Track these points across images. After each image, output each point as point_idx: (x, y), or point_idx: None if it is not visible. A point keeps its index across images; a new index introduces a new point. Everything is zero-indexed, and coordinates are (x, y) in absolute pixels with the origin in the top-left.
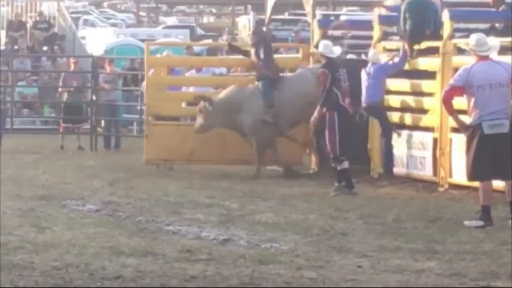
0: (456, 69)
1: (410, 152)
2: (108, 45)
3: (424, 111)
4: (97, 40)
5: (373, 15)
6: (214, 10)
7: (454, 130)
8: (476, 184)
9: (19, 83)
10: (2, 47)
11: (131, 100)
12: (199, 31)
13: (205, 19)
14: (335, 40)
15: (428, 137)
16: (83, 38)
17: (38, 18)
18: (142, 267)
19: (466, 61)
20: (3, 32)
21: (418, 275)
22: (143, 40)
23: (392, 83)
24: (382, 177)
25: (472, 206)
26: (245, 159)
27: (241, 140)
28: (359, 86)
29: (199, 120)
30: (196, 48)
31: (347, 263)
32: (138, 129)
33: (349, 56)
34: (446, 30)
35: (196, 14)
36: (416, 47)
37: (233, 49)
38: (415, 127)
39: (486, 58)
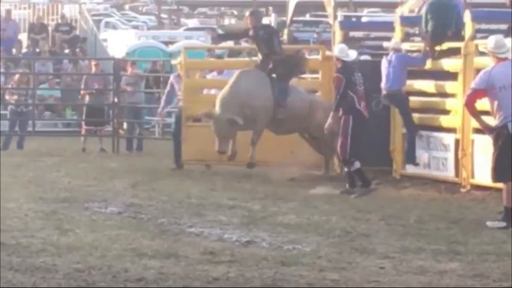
0: (478, 70)
1: (432, 153)
2: (130, 47)
3: (446, 112)
4: (118, 42)
5: (395, 16)
6: (235, 12)
7: (476, 131)
8: (498, 185)
9: (41, 86)
10: (24, 50)
11: (153, 102)
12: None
13: (226, 21)
14: (356, 41)
15: (450, 138)
16: (105, 40)
17: (60, 21)
18: (165, 269)
19: (488, 62)
20: (25, 35)
21: (441, 276)
22: (164, 42)
23: (414, 84)
24: (404, 179)
25: (494, 207)
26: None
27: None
28: (373, 88)
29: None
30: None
31: (370, 265)
32: (160, 131)
33: (364, 57)
34: (468, 31)
35: (217, 16)
36: (437, 48)
37: (222, 37)
38: (437, 128)
39: (505, 59)
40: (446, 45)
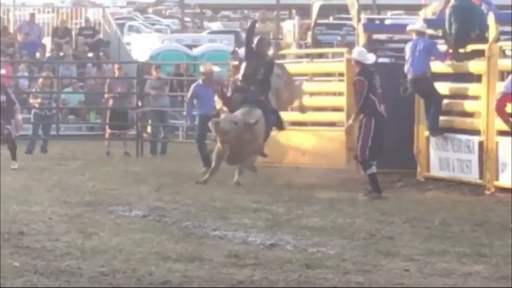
0: (501, 72)
1: (456, 155)
2: (153, 50)
3: (470, 114)
4: (142, 46)
5: (418, 18)
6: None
7: (501, 133)
8: None
9: (65, 90)
10: (48, 54)
11: (177, 105)
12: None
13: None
14: (380, 44)
15: (474, 140)
16: (128, 44)
17: (83, 25)
18: (189, 272)
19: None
20: (49, 39)
21: (465, 278)
22: (188, 46)
23: (438, 86)
24: (428, 181)
25: None
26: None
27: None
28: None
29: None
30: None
31: (394, 267)
32: (184, 134)
33: (381, 60)
34: (492, 33)
35: (240, 19)
36: (461, 50)
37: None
38: (461, 130)
39: None
40: (469, 47)
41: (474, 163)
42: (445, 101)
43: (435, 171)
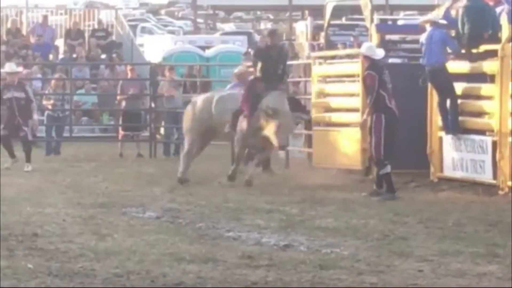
0: None
1: (470, 155)
2: (166, 52)
3: (483, 114)
4: (155, 47)
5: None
6: (271, 16)
7: None
8: None
9: (78, 91)
10: (61, 56)
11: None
12: (257, 37)
13: (262, 25)
14: (393, 44)
15: (487, 141)
16: (141, 45)
17: (96, 27)
18: (203, 273)
19: None
20: (62, 41)
21: (479, 279)
22: (200, 47)
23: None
24: (441, 181)
25: None
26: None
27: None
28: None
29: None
30: None
31: (408, 268)
32: None
33: (391, 60)
34: (505, 33)
35: (253, 20)
36: (474, 50)
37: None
38: (474, 131)
39: None
40: (482, 48)
41: (488, 163)
42: (458, 100)
43: (449, 172)
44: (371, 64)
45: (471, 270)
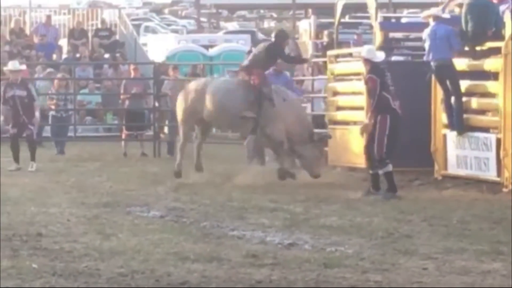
0: None
1: (474, 153)
2: (170, 51)
3: (487, 112)
4: (158, 46)
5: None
6: (274, 15)
7: None
8: None
9: (82, 91)
10: (65, 56)
11: None
12: (260, 35)
13: (265, 24)
14: (397, 42)
15: (491, 138)
16: (145, 45)
17: (99, 26)
18: (208, 272)
19: None
20: (65, 41)
21: (484, 276)
22: (204, 46)
23: None
24: (445, 179)
25: None
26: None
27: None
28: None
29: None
30: None
31: (413, 266)
32: None
33: (394, 58)
34: (508, 31)
35: (256, 18)
36: (478, 48)
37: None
38: (478, 128)
39: None
40: (486, 45)
41: (492, 161)
42: (462, 98)
43: (453, 169)
44: (372, 67)
45: (476, 268)
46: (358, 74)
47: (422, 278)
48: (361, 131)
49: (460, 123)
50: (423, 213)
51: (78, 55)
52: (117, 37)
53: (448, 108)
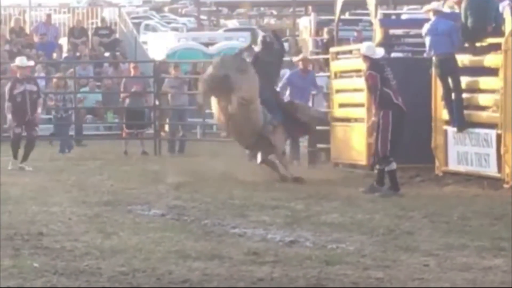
0: None
1: (474, 149)
2: (170, 49)
3: (487, 108)
4: (158, 44)
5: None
6: (274, 12)
7: None
8: None
9: (82, 89)
10: (65, 54)
11: (194, 104)
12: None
13: (265, 21)
14: (397, 38)
15: (492, 134)
16: (145, 43)
17: (99, 25)
18: (209, 270)
19: None
20: (65, 39)
21: (485, 272)
22: (204, 44)
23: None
24: (446, 176)
25: None
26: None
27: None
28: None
29: None
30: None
31: (414, 262)
32: (201, 132)
33: (394, 54)
34: (508, 27)
35: (257, 16)
36: (477, 44)
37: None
38: (478, 124)
39: None
40: (486, 41)
41: (492, 157)
42: (463, 95)
43: (453, 166)
44: (372, 64)
45: (477, 264)
46: (358, 71)
47: (424, 275)
48: (370, 129)
49: (461, 119)
50: (424, 210)
51: (78, 54)
52: (117, 35)
53: (449, 104)
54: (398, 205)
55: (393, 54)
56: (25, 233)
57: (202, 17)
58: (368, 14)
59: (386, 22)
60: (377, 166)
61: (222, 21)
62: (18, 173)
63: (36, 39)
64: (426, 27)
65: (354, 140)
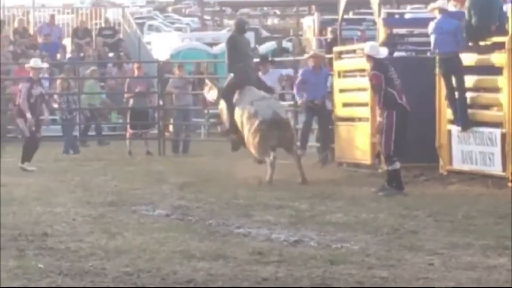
0: None
1: (479, 148)
2: (174, 49)
3: (491, 107)
4: (162, 45)
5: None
6: (278, 12)
7: None
8: None
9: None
10: (69, 55)
11: (198, 104)
12: (264, 33)
13: (269, 21)
14: (401, 38)
15: (496, 133)
16: (149, 43)
17: (103, 25)
18: (214, 270)
19: None
20: (69, 40)
21: (490, 271)
22: (208, 44)
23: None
24: (450, 175)
25: None
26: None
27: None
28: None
29: None
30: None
31: (418, 261)
32: (205, 132)
33: (397, 54)
34: None
35: (260, 16)
36: (482, 42)
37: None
38: (483, 123)
39: None
40: (490, 40)
41: (497, 156)
42: (467, 93)
43: (458, 165)
44: (376, 64)
45: (482, 263)
46: (362, 70)
47: (428, 274)
48: (376, 130)
49: (465, 118)
50: (429, 209)
51: (82, 55)
52: (121, 35)
53: (452, 103)
54: (402, 204)
55: (396, 54)
56: (29, 234)
57: (206, 17)
58: (371, 14)
59: (390, 21)
60: (386, 167)
61: (226, 21)
62: (22, 174)
63: (39, 40)
64: (432, 25)
65: (358, 140)
